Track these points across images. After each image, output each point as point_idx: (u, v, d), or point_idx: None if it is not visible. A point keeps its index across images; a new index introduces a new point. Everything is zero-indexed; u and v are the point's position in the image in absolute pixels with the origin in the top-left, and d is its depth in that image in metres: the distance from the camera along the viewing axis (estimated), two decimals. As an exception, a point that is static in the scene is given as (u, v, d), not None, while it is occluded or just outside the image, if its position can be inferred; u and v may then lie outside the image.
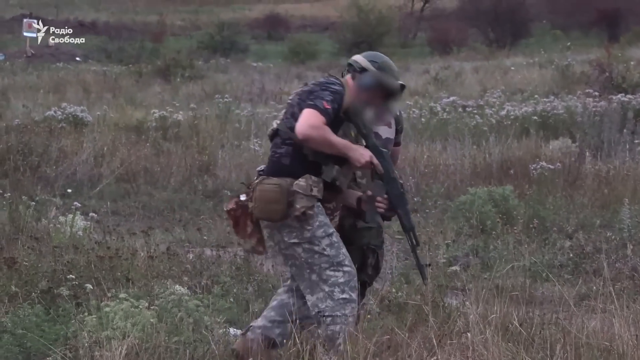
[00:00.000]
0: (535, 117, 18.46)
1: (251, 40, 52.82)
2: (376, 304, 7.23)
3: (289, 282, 6.19)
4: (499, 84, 26.36)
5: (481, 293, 6.69)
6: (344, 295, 5.79)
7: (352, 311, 5.83)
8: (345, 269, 5.83)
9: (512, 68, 31.30)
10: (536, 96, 21.26)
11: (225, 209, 6.08)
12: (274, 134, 5.95)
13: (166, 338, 6.02)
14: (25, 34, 41.46)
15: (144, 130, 18.87)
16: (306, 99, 5.79)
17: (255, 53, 47.51)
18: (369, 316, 6.70)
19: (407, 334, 5.90)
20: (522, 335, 5.95)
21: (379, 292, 7.63)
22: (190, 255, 9.14)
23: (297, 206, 5.70)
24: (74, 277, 7.66)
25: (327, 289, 5.79)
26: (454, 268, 8.75)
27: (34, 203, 11.00)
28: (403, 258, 9.49)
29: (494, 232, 10.35)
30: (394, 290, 7.61)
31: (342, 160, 5.83)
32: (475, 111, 19.61)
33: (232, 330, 6.84)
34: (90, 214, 10.86)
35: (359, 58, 6.18)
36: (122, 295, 6.43)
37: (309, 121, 5.64)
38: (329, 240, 5.84)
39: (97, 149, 15.62)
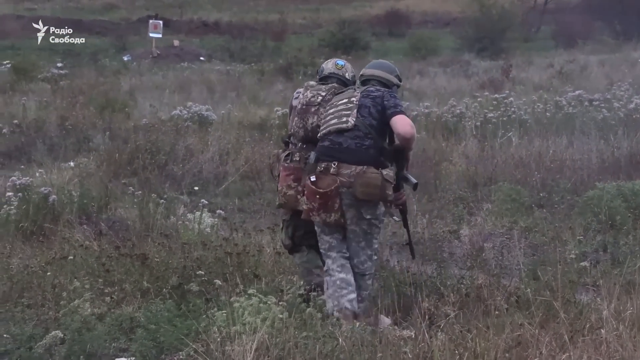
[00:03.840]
0: (665, 111, 18.03)
1: (372, 37, 52.65)
2: (504, 300, 7.16)
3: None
4: (626, 77, 25.78)
5: (613, 289, 6.58)
6: (376, 258, 7.45)
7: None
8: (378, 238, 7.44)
9: (640, 61, 30.62)
10: (666, 89, 20.76)
11: (322, 190, 7.05)
12: (351, 129, 7.11)
13: (295, 333, 6.06)
14: (150, 34, 42.19)
15: (267, 128, 19.00)
16: (382, 104, 7.14)
17: (376, 50, 47.35)
18: (497, 312, 6.65)
19: (537, 330, 5.83)
20: (658, 332, 5.83)
21: (507, 288, 7.56)
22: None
23: (389, 192, 7.06)
24: (203, 273, 7.78)
25: (370, 253, 7.29)
26: (583, 264, 8.59)
27: (162, 201, 11.19)
28: (530, 254, 9.38)
29: (624, 228, 10.13)
30: (522, 286, 7.52)
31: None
32: (602, 105, 19.22)
33: (381, 319, 6.92)
34: (218, 211, 10.99)
35: (385, 74, 7.53)
36: (251, 291, 6.51)
37: (410, 124, 7.08)
38: (382, 217, 7.34)
39: (222, 147, 15.79)
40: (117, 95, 24.93)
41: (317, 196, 7.03)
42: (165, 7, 66.11)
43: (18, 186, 11.06)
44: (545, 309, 6.50)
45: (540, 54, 40.89)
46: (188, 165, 14.63)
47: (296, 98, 7.76)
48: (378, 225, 7.29)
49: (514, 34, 48.72)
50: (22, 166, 15.24)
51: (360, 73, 7.64)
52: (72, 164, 15.22)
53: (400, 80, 7.65)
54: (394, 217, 7.72)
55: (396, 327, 6.94)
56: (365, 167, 7.01)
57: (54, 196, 10.84)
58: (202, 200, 11.22)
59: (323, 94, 7.51)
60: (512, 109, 18.90)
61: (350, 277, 7.17)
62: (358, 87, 7.49)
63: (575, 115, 18.25)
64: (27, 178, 11.62)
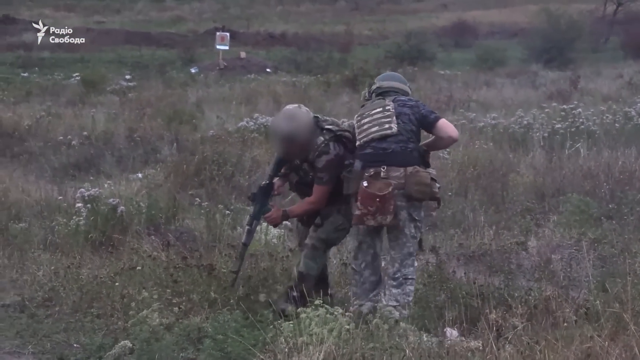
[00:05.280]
0: None
1: (438, 48, 52.54)
2: (572, 312, 7.09)
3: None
4: (698, 87, 25.44)
5: (686, 301, 6.49)
6: (416, 264, 7.71)
7: None
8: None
9: None
10: None
11: (380, 193, 7.20)
12: (395, 134, 7.40)
13: (362, 344, 6.06)
14: (217, 46, 42.40)
15: (334, 139, 18.95)
16: (420, 112, 7.54)
17: (442, 61, 47.23)
18: (565, 324, 6.58)
19: (607, 343, 5.76)
20: None
21: (576, 300, 7.49)
22: (382, 262, 9.16)
23: (435, 190, 7.39)
24: (270, 283, 7.81)
25: (412, 258, 7.51)
26: (654, 276, 8.47)
27: (229, 212, 11.25)
28: (599, 266, 9.29)
29: (694, 239, 9.98)
30: (591, 298, 7.45)
31: None
32: (672, 116, 18.98)
33: (448, 331, 6.89)
34: (284, 222, 11.00)
35: (402, 86, 7.92)
36: (317, 302, 6.51)
37: (453, 127, 7.61)
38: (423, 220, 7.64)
39: (288, 159, 15.78)
40: (185, 107, 25.08)
41: (377, 199, 7.22)
42: (232, 19, 66.61)
43: (87, 197, 11.19)
44: (615, 321, 6.42)
45: (609, 64, 40.49)
46: (254, 176, 14.65)
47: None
48: (421, 228, 7.59)
49: (582, 44, 48.30)
50: (91, 177, 15.41)
51: (377, 85, 7.95)
52: (140, 175, 15.35)
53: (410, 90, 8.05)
54: None
55: (463, 338, 6.91)
56: (415, 167, 7.35)
57: (122, 207, 10.95)
58: (269, 211, 11.24)
59: None
60: (580, 120, 18.73)
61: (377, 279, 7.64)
62: (378, 98, 7.81)
63: (645, 127, 18.05)
64: (96, 189, 11.75)
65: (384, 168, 7.31)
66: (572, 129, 17.84)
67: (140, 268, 8.64)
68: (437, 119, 7.54)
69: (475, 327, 7.08)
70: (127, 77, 34.02)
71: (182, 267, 8.37)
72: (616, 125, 18.58)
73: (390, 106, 7.57)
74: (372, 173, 7.32)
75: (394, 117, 7.48)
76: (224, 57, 42.87)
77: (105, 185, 13.32)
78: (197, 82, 34.75)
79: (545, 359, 5.49)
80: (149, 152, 18.11)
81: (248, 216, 8.02)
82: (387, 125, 7.45)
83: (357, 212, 7.35)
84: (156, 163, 16.80)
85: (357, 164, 7.47)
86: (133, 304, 7.64)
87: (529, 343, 5.97)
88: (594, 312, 6.93)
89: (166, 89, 30.55)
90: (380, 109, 7.58)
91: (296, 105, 7.83)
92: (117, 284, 8.34)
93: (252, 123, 19.84)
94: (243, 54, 45.79)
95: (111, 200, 11.13)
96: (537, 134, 17.62)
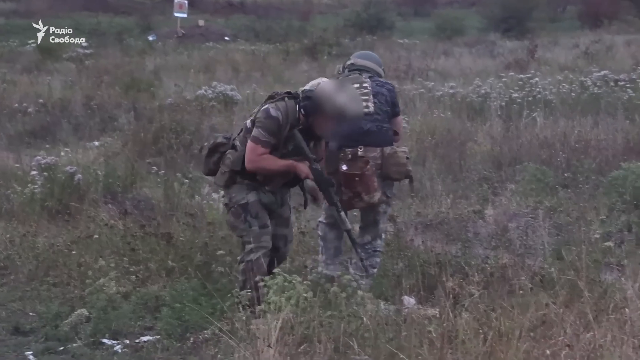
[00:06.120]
0: (691, 90, 17.86)
1: (397, 17, 52.50)
2: (528, 279, 7.15)
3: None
4: (652, 56, 25.56)
5: (637, 268, 6.56)
6: (384, 237, 7.84)
7: None
8: None
9: (666, 40, 30.32)
10: (692, 69, 20.54)
11: (359, 172, 7.20)
12: (371, 113, 7.39)
13: (320, 312, 6.07)
14: (175, 14, 42.10)
15: (292, 107, 18.92)
16: (394, 97, 7.66)
17: (401, 30, 47.15)
18: (521, 292, 6.64)
19: (561, 310, 5.82)
20: (682, 311, 5.80)
21: (532, 268, 7.56)
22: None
23: (409, 168, 7.53)
24: (225, 252, 7.80)
25: (382, 233, 7.73)
26: (608, 244, 8.56)
27: (187, 180, 11.22)
28: (555, 234, 9.36)
29: (648, 208, 10.08)
30: (546, 265, 7.52)
31: None
32: (627, 85, 19.04)
33: (405, 299, 6.93)
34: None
35: (376, 67, 7.80)
36: (275, 270, 6.52)
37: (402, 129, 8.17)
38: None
39: (247, 127, 15.74)
40: (142, 75, 24.88)
41: (357, 178, 7.22)
42: (190, -14, 65.95)
43: (43, 165, 11.11)
44: (570, 288, 6.47)
45: (566, 33, 40.60)
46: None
47: None
48: (390, 204, 7.80)
49: (540, 13, 48.38)
50: (48, 145, 15.31)
51: (351, 62, 7.83)
52: (97, 143, 15.29)
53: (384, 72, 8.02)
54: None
55: (420, 306, 6.96)
56: (392, 147, 7.45)
57: (79, 175, 10.89)
58: (227, 179, 11.20)
59: None
60: (537, 89, 18.78)
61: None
62: (352, 73, 7.72)
63: (600, 96, 18.11)
64: (53, 157, 11.67)
65: (361, 148, 7.32)
66: (529, 98, 17.90)
67: (97, 236, 8.62)
68: (399, 113, 7.80)
69: (433, 295, 7.13)
70: (84, 44, 33.65)
71: (140, 235, 8.36)
72: (572, 94, 18.63)
73: (368, 83, 7.56)
74: (349, 156, 7.31)
75: (371, 96, 7.48)
76: (182, 25, 42.57)
77: (62, 153, 13.24)
78: (155, 50, 34.50)
79: (501, 325, 5.52)
80: (106, 120, 18.01)
81: (326, 205, 7.49)
82: (364, 104, 7.38)
83: (345, 197, 7.30)
84: (113, 131, 16.73)
85: (333, 143, 7.38)
86: (90, 273, 7.63)
87: (485, 310, 6.01)
88: (549, 280, 7.01)
89: (124, 57, 30.30)
90: (357, 85, 7.53)
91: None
92: (73, 252, 8.32)
93: (210, 91, 19.73)
94: (202, 22, 45.46)
95: (68, 168, 11.06)
96: (495, 103, 17.66)
